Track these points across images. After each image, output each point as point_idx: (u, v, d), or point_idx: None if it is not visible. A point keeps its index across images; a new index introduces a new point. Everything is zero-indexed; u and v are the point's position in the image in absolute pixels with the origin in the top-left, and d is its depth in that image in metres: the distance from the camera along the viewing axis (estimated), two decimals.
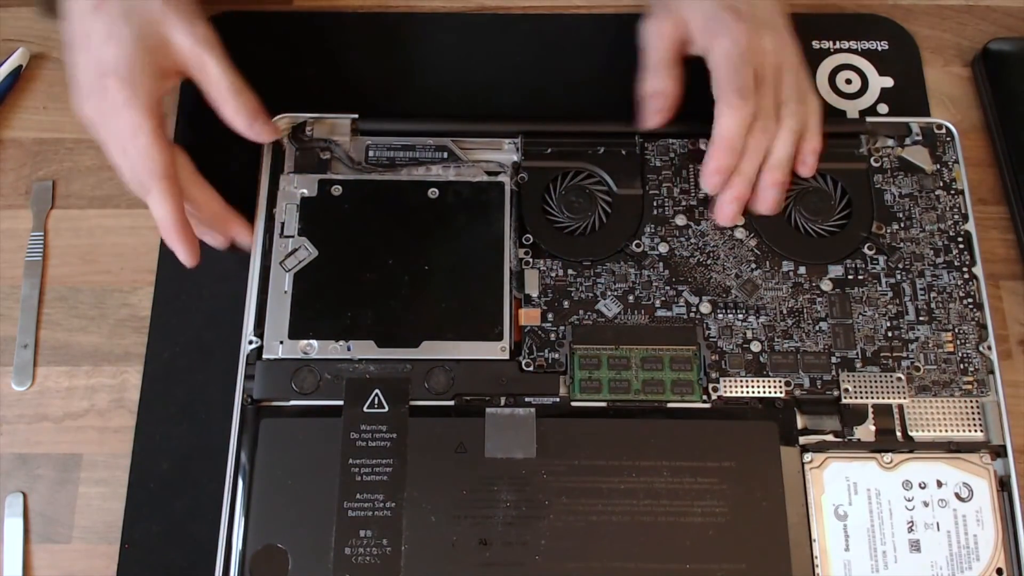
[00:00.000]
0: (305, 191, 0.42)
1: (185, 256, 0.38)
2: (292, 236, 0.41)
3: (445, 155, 0.43)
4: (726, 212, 0.40)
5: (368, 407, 0.38)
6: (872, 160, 0.43)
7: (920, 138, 0.44)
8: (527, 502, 0.37)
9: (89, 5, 0.37)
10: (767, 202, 0.40)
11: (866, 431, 0.39)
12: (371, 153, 0.43)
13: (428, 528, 0.36)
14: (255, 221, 0.42)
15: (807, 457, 0.38)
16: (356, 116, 0.44)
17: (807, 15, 0.48)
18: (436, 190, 0.42)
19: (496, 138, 0.44)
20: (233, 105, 0.39)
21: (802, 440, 0.38)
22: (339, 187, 0.42)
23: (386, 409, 0.38)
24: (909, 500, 0.37)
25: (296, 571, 0.36)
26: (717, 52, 0.39)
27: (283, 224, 0.42)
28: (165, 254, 0.43)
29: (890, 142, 0.44)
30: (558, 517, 0.37)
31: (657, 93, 0.41)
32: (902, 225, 0.42)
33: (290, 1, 0.49)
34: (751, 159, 0.40)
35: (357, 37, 0.48)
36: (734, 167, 0.40)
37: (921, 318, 0.40)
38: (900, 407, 0.39)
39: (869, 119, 0.44)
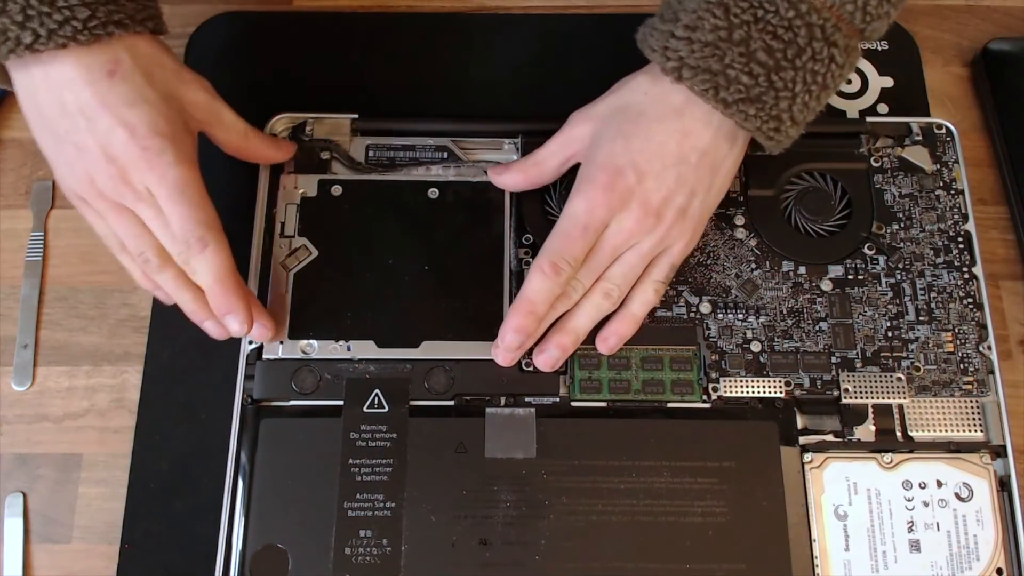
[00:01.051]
0: (305, 191, 0.42)
1: (242, 317, 0.36)
2: (292, 236, 0.41)
3: (445, 155, 0.43)
4: (503, 358, 0.38)
5: (368, 407, 0.38)
6: (872, 160, 0.43)
7: (920, 138, 0.44)
8: (527, 502, 0.37)
9: (102, 72, 0.34)
10: (545, 360, 0.38)
11: (866, 431, 0.39)
12: (371, 153, 0.43)
13: (428, 528, 0.36)
14: (254, 221, 0.42)
15: (807, 457, 0.38)
16: (356, 116, 0.44)
17: None
18: (436, 190, 0.42)
19: (496, 138, 0.44)
20: (254, 141, 0.40)
21: (802, 440, 0.38)
22: (339, 187, 0.42)
23: (386, 409, 0.38)
24: (909, 500, 0.37)
25: (296, 571, 0.36)
26: (568, 206, 0.37)
27: (283, 224, 0.42)
28: None
29: (890, 142, 0.44)
30: (558, 517, 0.37)
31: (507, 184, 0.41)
32: (902, 225, 0.42)
33: (290, 1, 0.49)
34: (548, 321, 0.38)
35: (357, 37, 0.47)
36: (534, 330, 0.37)
37: (921, 318, 0.40)
38: (900, 407, 0.39)
39: (869, 119, 0.44)
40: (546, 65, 0.47)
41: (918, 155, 0.43)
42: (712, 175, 0.37)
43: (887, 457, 0.38)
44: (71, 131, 0.34)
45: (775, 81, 0.34)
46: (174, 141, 0.35)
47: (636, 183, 0.36)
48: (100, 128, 0.34)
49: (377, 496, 0.37)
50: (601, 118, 0.38)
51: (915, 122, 0.44)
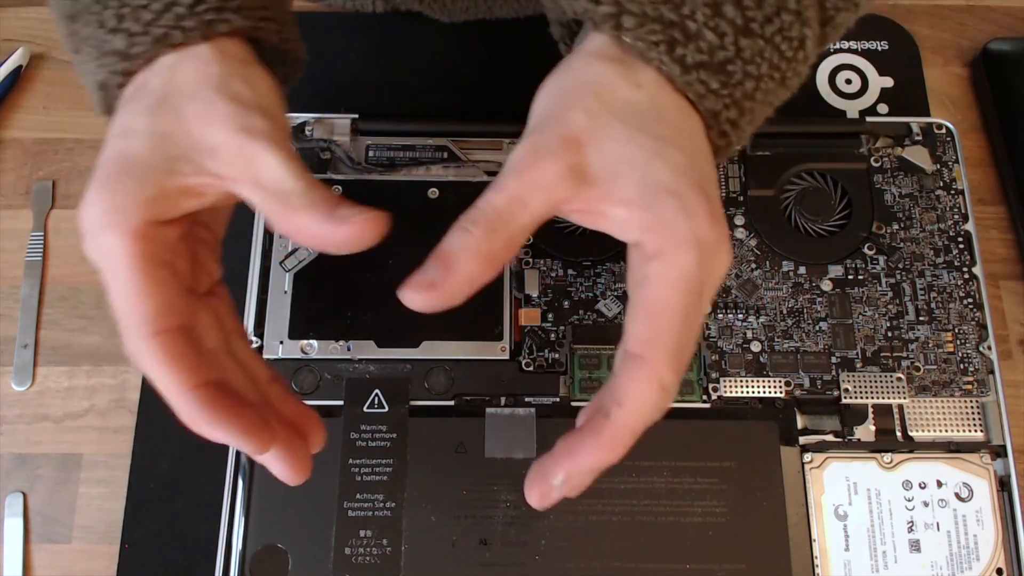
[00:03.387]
0: None
1: (253, 447, 0.26)
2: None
3: (445, 155, 0.43)
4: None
5: (368, 407, 0.38)
6: (872, 160, 0.43)
7: (920, 138, 0.44)
8: (527, 502, 0.37)
9: (127, 94, 0.27)
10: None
11: (866, 431, 0.39)
12: (371, 153, 0.43)
13: (428, 528, 0.36)
14: (254, 222, 0.42)
15: (807, 457, 0.38)
16: (356, 116, 0.44)
17: None
18: (436, 190, 0.42)
19: (496, 138, 0.44)
20: (301, 213, 0.25)
21: (802, 440, 0.38)
22: (339, 187, 0.42)
23: (386, 409, 0.38)
24: (909, 500, 0.37)
25: (296, 571, 0.36)
26: (671, 270, 0.24)
27: None
28: None
29: (890, 142, 0.44)
30: (558, 517, 0.37)
31: (454, 268, 0.25)
32: (902, 225, 0.42)
33: (290, 1, 0.49)
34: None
35: (357, 37, 0.47)
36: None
37: (921, 318, 0.40)
38: (900, 407, 0.39)
39: (869, 119, 0.44)
40: (546, 65, 0.47)
41: (918, 155, 0.43)
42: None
43: (887, 457, 0.38)
44: None
45: (743, 48, 0.25)
46: (111, 192, 0.25)
47: (721, 216, 0.25)
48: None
49: (377, 496, 0.37)
50: (616, 138, 0.25)
51: (915, 122, 0.44)
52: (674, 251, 0.24)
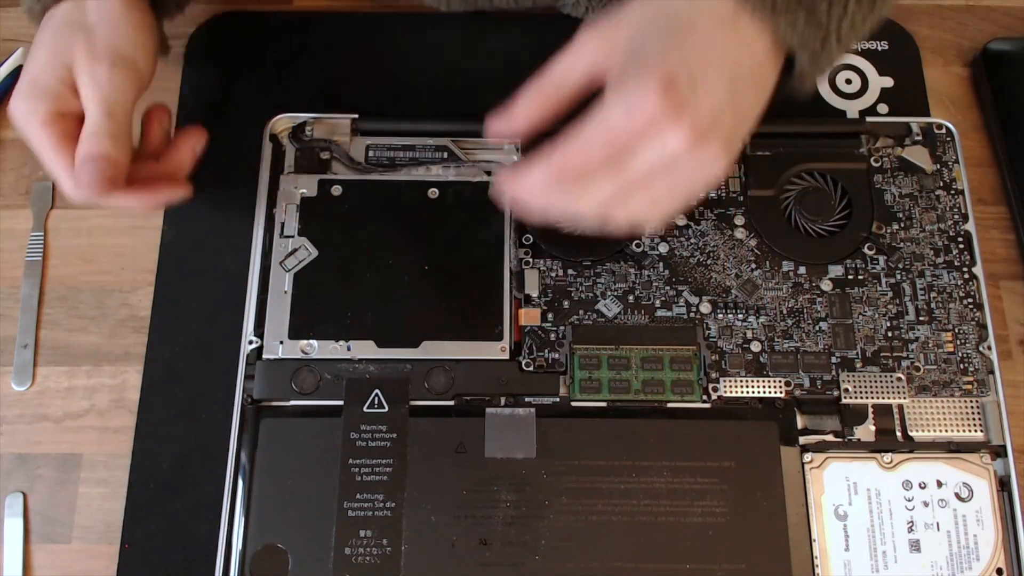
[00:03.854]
0: (305, 191, 0.42)
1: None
2: (292, 236, 0.41)
3: (445, 155, 0.43)
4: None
5: (368, 407, 0.38)
6: (872, 160, 0.43)
7: (920, 138, 0.44)
8: (527, 502, 0.37)
9: (45, 18, 0.38)
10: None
11: (866, 431, 0.39)
12: (371, 153, 0.43)
13: (428, 528, 0.36)
14: (254, 221, 0.42)
15: (807, 457, 0.38)
16: (356, 116, 0.43)
17: None
18: (436, 190, 0.42)
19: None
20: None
21: (802, 440, 0.38)
22: (339, 187, 0.42)
23: (386, 409, 0.38)
24: (909, 500, 0.37)
25: (296, 571, 0.36)
26: (598, 112, 0.29)
27: (283, 224, 0.42)
28: (165, 254, 0.43)
29: (890, 142, 0.44)
30: (558, 517, 0.37)
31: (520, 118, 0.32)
32: (902, 225, 0.42)
33: (290, 1, 0.49)
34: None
35: (357, 37, 0.47)
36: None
37: (921, 318, 0.40)
38: (900, 407, 0.39)
39: (869, 119, 0.44)
40: (543, 57, 0.47)
41: (918, 155, 0.43)
42: (757, 97, 0.31)
43: (887, 457, 0.38)
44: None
45: None
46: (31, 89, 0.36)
47: (689, 93, 0.28)
48: None
49: (377, 496, 0.37)
50: (636, 23, 0.31)
51: (915, 122, 0.44)
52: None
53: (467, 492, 0.37)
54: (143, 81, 0.38)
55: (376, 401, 0.39)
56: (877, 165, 0.43)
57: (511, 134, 0.33)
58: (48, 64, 0.36)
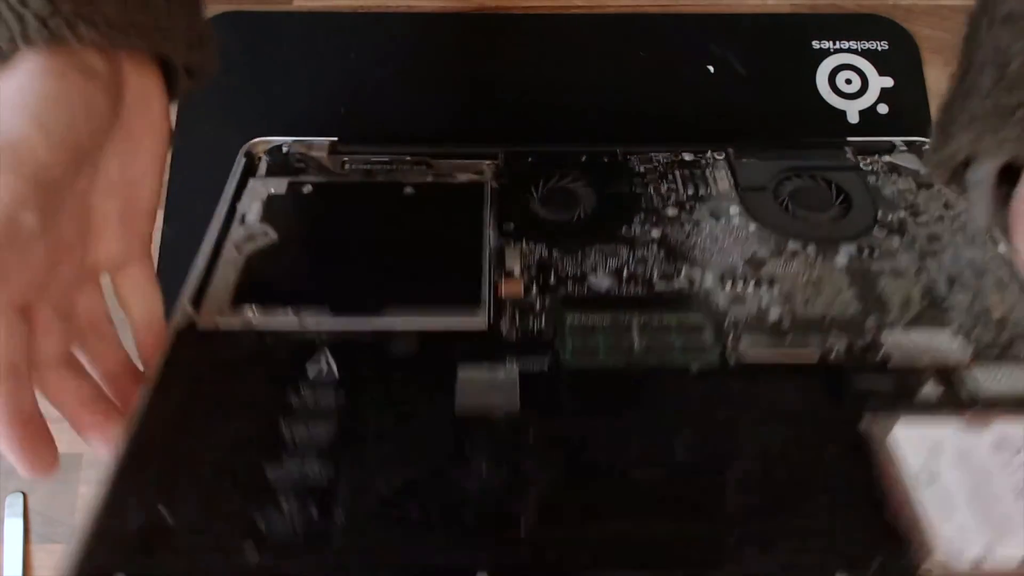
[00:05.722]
0: (273, 190, 0.40)
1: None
2: (253, 224, 0.38)
3: (424, 167, 0.42)
4: None
5: (314, 372, 0.32)
6: (862, 165, 0.42)
7: (906, 149, 0.43)
8: (504, 466, 0.28)
9: None
10: None
11: (924, 394, 0.31)
12: (347, 167, 0.42)
13: (374, 500, 0.27)
14: (213, 216, 0.39)
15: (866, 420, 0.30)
16: (335, 139, 0.43)
17: (807, 15, 0.48)
18: (412, 188, 0.40)
19: (476, 160, 0.43)
20: None
21: (848, 406, 0.31)
22: (310, 186, 0.40)
23: (335, 375, 0.31)
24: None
25: (203, 547, 0.26)
26: None
27: (244, 216, 0.39)
28: (165, 253, 0.40)
29: (876, 155, 0.43)
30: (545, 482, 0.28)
31: None
32: (909, 212, 0.39)
33: (290, 1, 0.50)
34: None
35: (357, 37, 0.48)
36: None
37: (956, 286, 0.36)
38: (956, 367, 0.32)
39: (851, 139, 0.44)
40: (546, 65, 0.47)
41: (909, 160, 0.42)
42: None
43: (965, 418, 0.30)
44: None
45: None
46: None
47: None
48: None
49: (313, 464, 0.28)
50: None
51: (898, 140, 0.44)
52: None
53: (428, 458, 0.28)
54: (51, 173, 0.26)
55: (325, 365, 0.32)
56: (868, 169, 0.42)
57: None
58: None
